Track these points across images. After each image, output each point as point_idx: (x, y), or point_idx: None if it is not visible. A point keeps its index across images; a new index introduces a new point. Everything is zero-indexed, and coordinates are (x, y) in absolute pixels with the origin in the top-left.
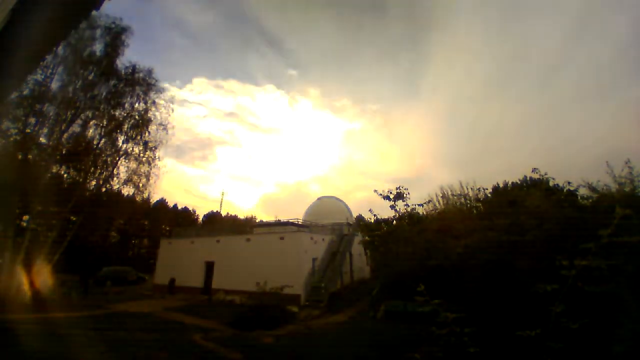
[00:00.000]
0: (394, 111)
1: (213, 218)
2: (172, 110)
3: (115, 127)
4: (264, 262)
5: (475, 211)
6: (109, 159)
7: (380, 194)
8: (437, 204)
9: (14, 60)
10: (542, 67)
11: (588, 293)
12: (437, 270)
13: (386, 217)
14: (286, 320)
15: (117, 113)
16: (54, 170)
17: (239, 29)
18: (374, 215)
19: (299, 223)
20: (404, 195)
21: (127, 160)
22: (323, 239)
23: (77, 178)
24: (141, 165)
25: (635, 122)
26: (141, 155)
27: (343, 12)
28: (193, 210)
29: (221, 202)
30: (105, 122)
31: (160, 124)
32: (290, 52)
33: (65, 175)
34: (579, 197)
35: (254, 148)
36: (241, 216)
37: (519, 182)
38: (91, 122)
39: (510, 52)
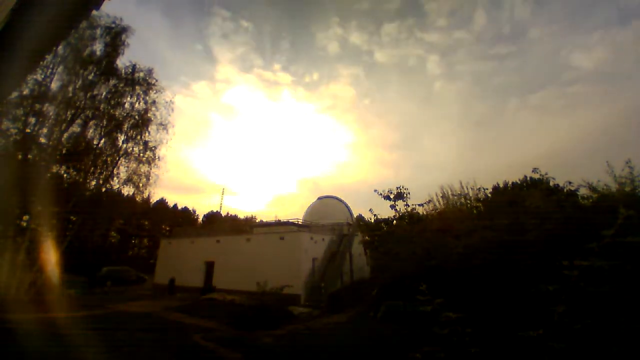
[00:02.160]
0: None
1: (213, 218)
2: (172, 110)
3: (115, 127)
4: (264, 262)
5: (475, 211)
6: (109, 159)
7: (381, 194)
8: (437, 204)
9: (14, 60)
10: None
11: (590, 293)
12: (437, 270)
13: (386, 217)
14: (286, 320)
15: (117, 113)
16: (54, 170)
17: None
18: (374, 215)
19: (299, 223)
20: (404, 195)
21: (127, 160)
22: (323, 239)
23: (77, 178)
24: (141, 165)
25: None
26: (141, 155)
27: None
28: (193, 210)
29: (221, 202)
30: (105, 122)
31: (160, 124)
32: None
33: (65, 175)
34: (580, 197)
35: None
36: (241, 216)
37: (519, 182)
38: (91, 122)
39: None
